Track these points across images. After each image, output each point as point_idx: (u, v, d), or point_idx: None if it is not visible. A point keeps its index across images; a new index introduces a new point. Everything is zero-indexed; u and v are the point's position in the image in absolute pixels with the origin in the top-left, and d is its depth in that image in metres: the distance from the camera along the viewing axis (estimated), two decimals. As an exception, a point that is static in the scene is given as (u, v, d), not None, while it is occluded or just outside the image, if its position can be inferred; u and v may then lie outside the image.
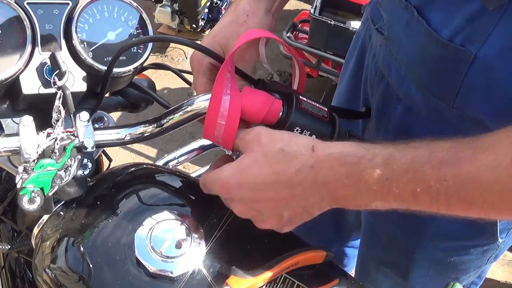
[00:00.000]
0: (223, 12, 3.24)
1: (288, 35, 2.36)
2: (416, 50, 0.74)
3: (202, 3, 3.03)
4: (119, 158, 2.63)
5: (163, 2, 3.10)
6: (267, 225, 0.67)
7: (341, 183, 0.59)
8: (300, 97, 0.71)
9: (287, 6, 4.05)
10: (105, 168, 1.00)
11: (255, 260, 0.69)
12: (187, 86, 0.90)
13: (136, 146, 2.72)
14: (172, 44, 3.30)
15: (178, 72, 0.97)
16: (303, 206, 0.63)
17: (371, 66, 0.90)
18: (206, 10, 3.16)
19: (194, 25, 3.14)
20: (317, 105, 0.72)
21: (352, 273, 1.31)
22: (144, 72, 0.94)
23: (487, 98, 0.67)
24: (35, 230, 0.77)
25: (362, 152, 0.58)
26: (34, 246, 0.77)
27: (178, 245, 0.67)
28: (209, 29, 3.36)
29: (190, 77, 0.87)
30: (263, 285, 0.68)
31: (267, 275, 0.68)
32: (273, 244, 0.73)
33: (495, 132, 0.53)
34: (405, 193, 0.55)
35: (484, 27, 0.63)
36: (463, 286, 1.00)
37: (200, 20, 3.14)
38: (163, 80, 2.97)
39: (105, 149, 0.97)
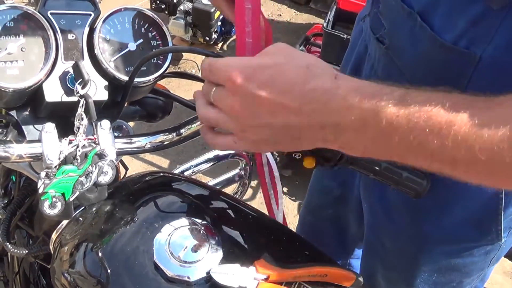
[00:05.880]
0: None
1: (300, 48, 2.38)
2: (421, 56, 0.74)
3: (216, 16, 3.05)
4: (132, 168, 2.63)
5: (177, 15, 3.13)
6: (251, 137, 0.62)
7: (351, 112, 0.55)
8: None
9: (299, 20, 4.04)
10: (121, 177, 1.02)
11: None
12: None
13: (148, 157, 2.73)
14: (185, 56, 3.32)
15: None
16: (301, 128, 0.58)
17: (369, 77, 0.89)
18: (219, 23, 3.18)
19: (207, 38, 3.16)
20: None
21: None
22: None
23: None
24: (54, 236, 0.78)
25: (380, 86, 0.56)
26: (52, 251, 0.78)
27: (196, 251, 0.68)
28: (222, 42, 3.38)
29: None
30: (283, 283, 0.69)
31: (292, 273, 0.68)
32: (301, 257, 0.74)
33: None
34: (414, 131, 0.52)
35: (488, 28, 0.64)
36: None
37: (213, 33, 3.16)
38: (175, 92, 2.98)
39: (121, 157, 0.99)
